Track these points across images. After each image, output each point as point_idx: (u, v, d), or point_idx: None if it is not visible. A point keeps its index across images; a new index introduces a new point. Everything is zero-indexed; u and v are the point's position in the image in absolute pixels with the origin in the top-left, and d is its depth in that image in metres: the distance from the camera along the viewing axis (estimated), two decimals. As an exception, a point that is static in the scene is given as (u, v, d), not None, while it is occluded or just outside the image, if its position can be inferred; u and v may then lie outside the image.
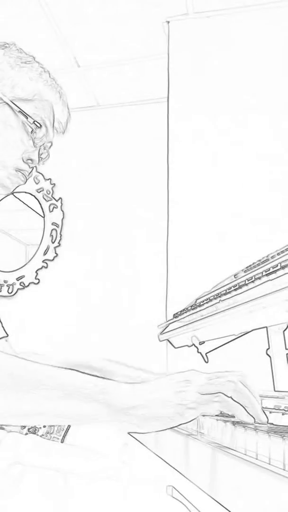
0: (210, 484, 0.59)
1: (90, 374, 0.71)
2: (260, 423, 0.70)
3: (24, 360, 0.70)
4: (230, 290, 1.00)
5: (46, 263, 2.20)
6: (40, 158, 0.97)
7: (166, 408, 0.69)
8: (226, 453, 0.56)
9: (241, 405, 0.70)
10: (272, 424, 0.70)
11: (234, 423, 0.63)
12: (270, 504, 0.47)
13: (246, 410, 0.70)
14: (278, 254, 0.90)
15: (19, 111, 0.91)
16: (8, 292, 2.18)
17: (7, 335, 1.02)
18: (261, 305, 0.90)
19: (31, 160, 0.95)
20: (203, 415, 0.72)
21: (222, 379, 0.71)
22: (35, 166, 0.98)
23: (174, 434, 0.73)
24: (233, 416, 0.73)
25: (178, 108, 1.81)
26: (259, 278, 0.88)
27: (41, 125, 0.93)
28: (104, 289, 2.09)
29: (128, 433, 0.88)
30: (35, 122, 0.91)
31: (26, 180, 0.97)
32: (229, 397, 0.70)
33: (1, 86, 0.90)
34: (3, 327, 1.04)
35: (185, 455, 0.68)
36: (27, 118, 0.91)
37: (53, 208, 2.24)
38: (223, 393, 0.69)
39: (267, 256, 0.94)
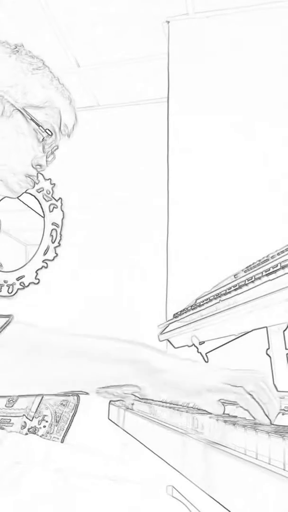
0: (210, 484, 0.59)
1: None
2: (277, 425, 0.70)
3: (52, 332, 0.73)
4: (230, 290, 1.00)
5: (46, 263, 2.20)
6: (47, 162, 0.97)
7: (188, 381, 0.73)
8: (226, 453, 0.56)
9: (259, 405, 0.71)
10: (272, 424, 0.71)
11: (234, 423, 0.63)
12: (270, 504, 0.47)
13: (263, 410, 0.70)
14: (278, 254, 0.90)
15: (30, 119, 0.90)
16: (8, 292, 2.18)
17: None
18: (261, 305, 0.90)
19: (40, 165, 0.95)
20: (202, 414, 0.72)
21: (247, 375, 0.73)
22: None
23: (173, 434, 0.73)
24: (235, 417, 0.73)
25: (178, 108, 1.81)
26: (259, 278, 0.88)
27: (52, 133, 0.93)
28: (104, 289, 2.09)
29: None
30: (47, 130, 0.91)
31: (34, 184, 0.97)
32: (249, 394, 0.71)
33: (13, 93, 0.89)
34: None
35: (184, 455, 0.68)
36: (38, 125, 0.90)
37: (53, 208, 2.24)
38: (244, 388, 0.72)
39: (267, 256, 0.94)
